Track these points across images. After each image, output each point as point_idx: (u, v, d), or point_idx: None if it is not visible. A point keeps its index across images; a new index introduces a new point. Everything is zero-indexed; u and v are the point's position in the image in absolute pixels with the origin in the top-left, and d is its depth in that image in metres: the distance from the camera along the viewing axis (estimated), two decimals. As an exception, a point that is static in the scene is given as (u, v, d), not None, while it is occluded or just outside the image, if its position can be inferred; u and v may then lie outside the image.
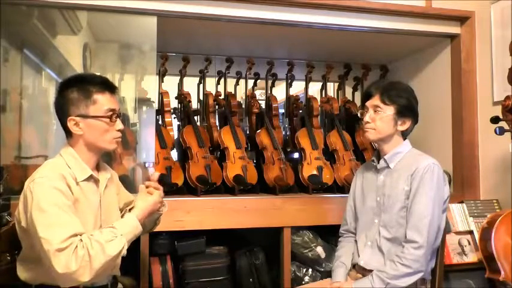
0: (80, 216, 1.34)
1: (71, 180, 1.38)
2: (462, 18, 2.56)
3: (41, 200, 1.27)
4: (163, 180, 2.00)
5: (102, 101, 1.43)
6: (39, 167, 1.38)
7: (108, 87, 1.46)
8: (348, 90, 3.18)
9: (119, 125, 1.47)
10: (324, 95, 3.08)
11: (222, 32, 2.59)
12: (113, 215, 1.55)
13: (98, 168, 1.53)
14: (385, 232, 1.67)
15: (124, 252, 1.32)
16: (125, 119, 2.38)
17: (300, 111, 2.88)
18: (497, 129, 1.90)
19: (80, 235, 1.27)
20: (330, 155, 2.68)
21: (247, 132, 2.89)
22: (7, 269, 1.43)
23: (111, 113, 1.43)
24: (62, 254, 1.22)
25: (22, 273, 1.39)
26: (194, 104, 2.88)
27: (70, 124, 1.41)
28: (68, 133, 1.45)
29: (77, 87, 1.42)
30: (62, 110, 1.43)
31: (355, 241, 1.81)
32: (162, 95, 2.63)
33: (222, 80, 2.95)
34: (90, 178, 1.45)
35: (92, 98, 1.42)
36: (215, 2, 2.22)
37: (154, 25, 2.20)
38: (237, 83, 3.08)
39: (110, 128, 1.44)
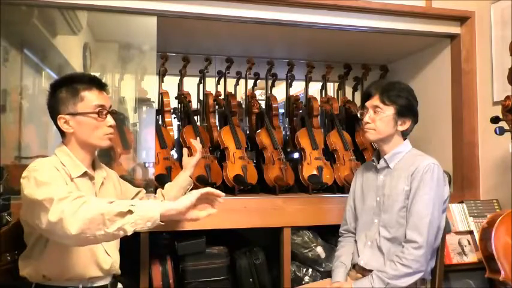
0: None
1: (65, 176, 1.39)
2: (462, 18, 2.56)
3: (38, 176, 1.27)
4: (163, 180, 2.02)
5: (90, 98, 1.44)
6: (33, 161, 1.38)
7: (96, 83, 1.47)
8: (348, 90, 3.18)
9: (110, 121, 1.47)
10: (324, 95, 3.08)
11: (222, 32, 2.59)
12: None
13: (93, 166, 1.53)
14: (385, 232, 1.67)
15: (127, 226, 1.16)
16: (124, 119, 2.38)
17: (300, 111, 2.88)
18: (497, 129, 1.90)
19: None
20: (330, 155, 2.68)
21: (247, 132, 2.89)
22: (7, 269, 1.43)
23: (99, 108, 1.44)
24: (61, 202, 1.18)
25: (23, 269, 1.40)
26: (194, 104, 2.87)
27: (60, 123, 1.43)
28: (61, 132, 1.47)
29: (65, 87, 1.44)
30: (53, 110, 1.45)
31: (355, 241, 1.81)
32: (162, 95, 2.63)
33: (222, 80, 2.95)
34: (85, 175, 1.46)
35: (79, 95, 1.43)
36: (215, 2, 2.22)
37: (154, 25, 2.20)
38: (237, 83, 3.08)
39: (100, 124, 1.45)
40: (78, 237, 1.15)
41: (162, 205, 1.22)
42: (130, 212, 1.17)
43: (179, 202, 1.23)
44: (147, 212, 1.18)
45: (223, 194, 1.31)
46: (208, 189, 1.28)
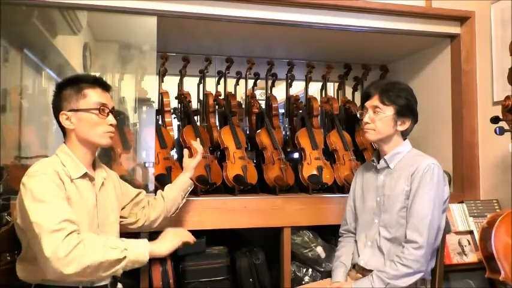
0: (74, 213, 1.34)
1: (65, 177, 1.39)
2: (462, 18, 2.56)
3: (34, 190, 1.29)
4: (163, 180, 2.01)
5: (92, 95, 1.47)
6: (34, 163, 1.40)
7: (100, 83, 1.51)
8: (348, 90, 3.18)
9: (111, 120, 1.49)
10: (324, 95, 3.08)
11: (222, 32, 2.59)
12: (111, 214, 1.55)
13: (94, 167, 1.54)
14: (385, 232, 1.67)
15: (119, 270, 1.32)
16: (125, 119, 2.38)
17: (300, 111, 2.88)
18: (497, 129, 1.90)
19: (73, 223, 1.28)
20: (330, 155, 2.68)
21: (247, 132, 2.89)
22: (7, 269, 1.43)
23: (101, 106, 1.46)
24: (53, 236, 1.23)
25: (21, 272, 1.39)
26: (194, 104, 2.87)
27: (62, 119, 1.45)
28: (63, 131, 1.49)
29: (70, 85, 1.47)
30: (57, 108, 1.47)
31: (355, 241, 1.81)
32: (162, 95, 2.63)
33: (222, 80, 2.95)
34: (85, 176, 1.46)
35: (82, 92, 1.46)
36: (215, 2, 2.22)
37: (154, 25, 2.20)
38: (237, 83, 3.08)
39: (101, 121, 1.46)
40: (69, 277, 1.24)
41: (150, 248, 1.39)
42: (124, 257, 1.31)
43: (164, 246, 1.47)
44: (138, 256, 1.35)
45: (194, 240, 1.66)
46: (189, 238, 1.63)
